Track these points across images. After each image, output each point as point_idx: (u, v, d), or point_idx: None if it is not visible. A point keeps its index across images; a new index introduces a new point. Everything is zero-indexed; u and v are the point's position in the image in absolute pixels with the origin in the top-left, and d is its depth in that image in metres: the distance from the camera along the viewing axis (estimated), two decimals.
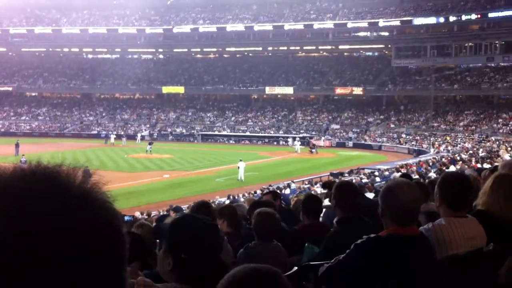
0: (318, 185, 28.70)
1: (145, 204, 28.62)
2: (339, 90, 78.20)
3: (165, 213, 18.31)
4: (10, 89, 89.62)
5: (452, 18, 70.99)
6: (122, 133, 72.79)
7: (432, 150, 54.56)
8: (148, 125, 79.22)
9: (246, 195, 26.06)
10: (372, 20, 77.16)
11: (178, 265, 2.54)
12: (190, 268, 2.54)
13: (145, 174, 41.17)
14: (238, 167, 38.91)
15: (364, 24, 78.00)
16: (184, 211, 11.02)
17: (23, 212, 0.83)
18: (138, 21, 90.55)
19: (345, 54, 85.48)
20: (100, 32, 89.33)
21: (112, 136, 66.13)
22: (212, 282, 2.39)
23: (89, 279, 0.85)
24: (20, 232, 0.82)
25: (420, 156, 49.31)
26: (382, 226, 3.51)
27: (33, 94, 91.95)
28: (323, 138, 67.26)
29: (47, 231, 0.83)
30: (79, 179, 0.93)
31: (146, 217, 18.82)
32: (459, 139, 58.29)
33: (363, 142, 66.10)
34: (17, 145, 50.61)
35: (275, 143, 69.04)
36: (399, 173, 22.52)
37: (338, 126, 72.46)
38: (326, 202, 9.96)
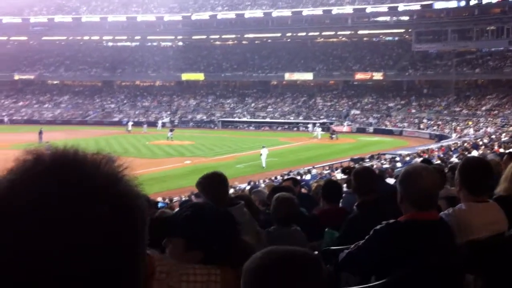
0: (338, 170, 28.66)
1: (166, 190, 28.83)
2: (358, 76, 77.72)
3: (187, 198, 18.47)
4: (32, 77, 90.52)
5: (473, 2, 69.92)
6: (144, 120, 73.21)
7: (454, 135, 54.11)
8: (168, 112, 79.51)
9: (267, 181, 26.12)
10: (392, 5, 76.31)
11: (201, 258, 2.57)
12: (212, 257, 2.57)
13: (166, 161, 41.42)
14: (261, 154, 38.72)
15: (383, 8, 77.24)
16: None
17: (46, 199, 0.84)
18: (157, 8, 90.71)
19: (365, 39, 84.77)
20: (120, 20, 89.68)
21: (130, 123, 66.03)
22: (236, 262, 2.43)
23: (105, 267, 0.86)
24: (42, 219, 0.83)
25: (441, 141, 48.92)
26: (401, 211, 3.52)
27: (55, 82, 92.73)
28: (345, 123, 66.83)
29: (68, 218, 0.84)
30: (105, 166, 0.93)
31: (169, 202, 19.03)
32: (481, 124, 57.71)
33: (383, 127, 65.65)
34: (40, 133, 51.10)
35: (295, 129, 68.98)
36: (421, 159, 22.42)
37: (358, 112, 72.09)
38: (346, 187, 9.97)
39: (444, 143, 43.67)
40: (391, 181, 11.59)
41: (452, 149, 33.67)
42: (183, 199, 21.19)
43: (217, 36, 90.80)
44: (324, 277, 1.54)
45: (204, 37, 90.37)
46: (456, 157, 23.91)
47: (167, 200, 20.26)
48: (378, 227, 3.41)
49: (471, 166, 3.97)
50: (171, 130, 56.97)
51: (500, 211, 3.84)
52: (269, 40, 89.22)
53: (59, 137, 48.97)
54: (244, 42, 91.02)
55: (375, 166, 24.43)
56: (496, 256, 3.67)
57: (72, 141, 0.93)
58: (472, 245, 3.62)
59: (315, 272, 1.49)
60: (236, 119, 74.98)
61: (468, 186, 3.86)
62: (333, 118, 70.35)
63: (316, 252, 4.46)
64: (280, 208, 4.86)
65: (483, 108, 63.93)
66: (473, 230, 3.65)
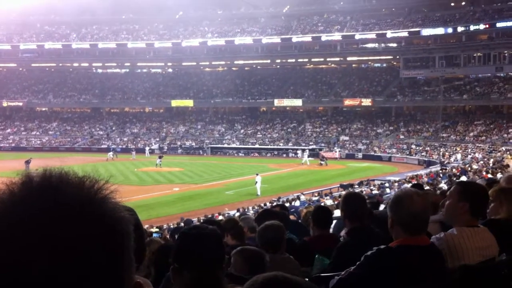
0: (328, 197, 28.64)
1: (155, 217, 28.63)
2: (347, 102, 78.16)
3: (176, 226, 18.32)
4: (21, 104, 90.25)
5: (460, 29, 70.95)
6: (132, 147, 73.04)
7: (441, 160, 54.35)
8: (157, 139, 79.41)
9: (256, 207, 26.04)
10: (380, 32, 77.23)
11: (174, 274, 2.58)
12: (183, 276, 2.56)
13: (155, 188, 41.24)
14: (256, 182, 38.31)
15: (372, 35, 78.08)
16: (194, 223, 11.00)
17: (28, 221, 0.87)
18: (147, 35, 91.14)
19: (353, 65, 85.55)
20: (110, 47, 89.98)
21: (109, 153, 64.86)
22: None
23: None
24: (23, 240, 0.85)
25: (430, 167, 49.08)
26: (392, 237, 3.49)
27: (43, 109, 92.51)
28: (338, 150, 66.74)
29: (48, 238, 0.85)
30: (88, 188, 0.95)
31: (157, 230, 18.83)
32: (469, 150, 58.03)
33: (372, 153, 65.85)
34: (27, 162, 50.36)
35: (284, 155, 69.01)
36: (410, 184, 22.45)
37: (347, 138, 72.34)
38: (337, 213, 9.93)
39: (433, 169, 43.81)
40: (380, 207, 11.55)
41: (441, 175, 33.79)
42: (171, 226, 21.02)
43: (207, 63, 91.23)
44: None
45: (194, 63, 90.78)
46: (445, 183, 23.97)
47: (156, 229, 20.03)
48: (369, 253, 3.37)
49: (476, 190, 3.97)
50: (160, 157, 56.82)
51: (491, 235, 3.81)
52: (259, 67, 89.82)
53: (47, 165, 48.45)
54: (234, 68, 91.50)
55: (364, 192, 24.42)
56: (487, 282, 3.63)
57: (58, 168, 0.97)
58: (463, 270, 3.58)
59: None
60: (225, 145, 74.98)
61: (472, 211, 3.85)
62: (322, 144, 70.52)
63: (307, 279, 4.40)
64: (267, 235, 4.79)
65: (471, 134, 64.37)
66: (464, 255, 3.62)
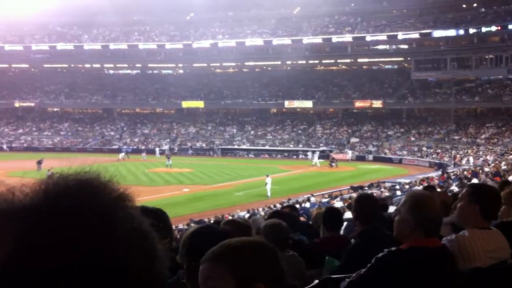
0: (338, 198, 28.59)
1: None
2: (358, 103, 77.93)
3: (186, 227, 18.33)
4: (33, 104, 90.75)
5: (472, 30, 70.50)
6: (143, 147, 73.25)
7: (452, 163, 54.15)
8: (168, 140, 79.60)
9: (266, 209, 26.04)
10: (391, 33, 76.93)
11: (186, 273, 2.59)
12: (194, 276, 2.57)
13: (165, 188, 41.30)
14: (266, 183, 38.33)
15: (383, 37, 77.77)
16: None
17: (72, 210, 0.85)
18: (158, 36, 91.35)
19: (364, 67, 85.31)
20: (121, 48, 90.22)
21: (120, 154, 65.31)
22: None
23: None
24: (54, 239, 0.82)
25: (441, 169, 48.86)
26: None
27: (55, 109, 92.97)
28: (350, 152, 66.58)
29: (61, 248, 0.81)
30: (116, 191, 0.91)
31: None
32: (480, 152, 57.71)
33: (383, 155, 65.64)
34: (40, 162, 50.76)
35: (295, 156, 68.93)
36: (422, 186, 22.37)
37: (357, 140, 72.15)
38: (347, 215, 9.91)
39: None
40: (391, 209, 11.52)
41: (452, 177, 33.63)
42: (180, 227, 21.06)
43: (218, 64, 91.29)
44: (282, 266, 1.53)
45: (204, 65, 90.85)
46: (456, 185, 23.84)
47: None
48: (380, 255, 3.35)
49: (486, 193, 3.96)
50: (168, 157, 57.00)
51: (503, 238, 3.80)
52: (269, 68, 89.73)
53: (59, 165, 48.60)
54: (244, 69, 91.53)
55: (374, 195, 24.36)
56: (499, 284, 3.61)
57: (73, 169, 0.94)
58: (475, 273, 3.56)
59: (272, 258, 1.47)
60: (236, 146, 74.99)
61: (482, 213, 3.84)
62: (333, 146, 70.38)
63: (317, 281, 4.39)
64: (270, 234, 4.80)
65: (483, 137, 64.02)
66: (475, 257, 3.61)
